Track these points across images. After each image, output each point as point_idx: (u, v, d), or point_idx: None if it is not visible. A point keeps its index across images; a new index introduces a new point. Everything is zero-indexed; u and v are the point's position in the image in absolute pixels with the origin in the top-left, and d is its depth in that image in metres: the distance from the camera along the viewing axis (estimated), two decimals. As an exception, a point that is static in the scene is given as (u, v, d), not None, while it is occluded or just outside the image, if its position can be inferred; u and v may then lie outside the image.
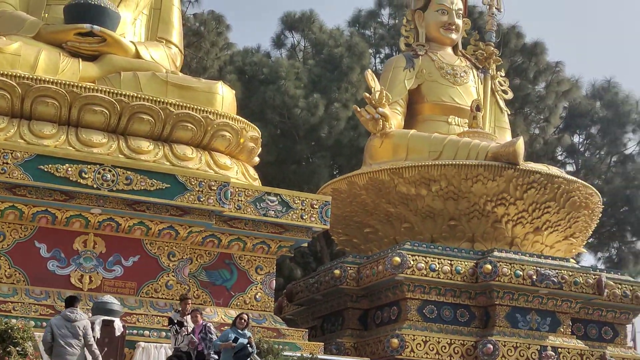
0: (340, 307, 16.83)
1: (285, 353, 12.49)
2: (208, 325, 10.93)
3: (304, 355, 12.98)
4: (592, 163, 30.66)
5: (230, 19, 28.53)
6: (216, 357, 10.60)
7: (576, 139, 31.63)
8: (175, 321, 11.05)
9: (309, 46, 27.82)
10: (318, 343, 14.24)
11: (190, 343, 10.80)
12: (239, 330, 10.59)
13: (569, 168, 30.89)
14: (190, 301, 11.37)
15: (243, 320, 10.67)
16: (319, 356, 13.24)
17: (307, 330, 14.84)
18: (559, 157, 31.08)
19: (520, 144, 16.81)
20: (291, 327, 15.51)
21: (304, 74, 24.84)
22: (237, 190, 13.95)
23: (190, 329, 10.95)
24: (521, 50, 27.72)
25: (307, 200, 14.48)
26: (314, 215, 14.46)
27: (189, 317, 11.07)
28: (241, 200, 13.98)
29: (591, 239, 31.05)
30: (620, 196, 29.01)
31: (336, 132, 24.55)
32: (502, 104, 21.09)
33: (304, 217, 14.38)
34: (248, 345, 10.46)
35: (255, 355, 10.74)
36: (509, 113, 21.48)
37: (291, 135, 24.77)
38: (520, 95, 26.43)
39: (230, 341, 10.39)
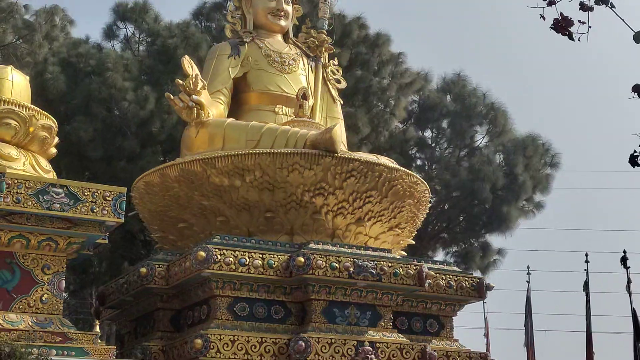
0: (151, 308, 15.75)
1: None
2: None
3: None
4: (442, 157, 30.55)
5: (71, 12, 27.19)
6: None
7: (428, 133, 31.54)
8: None
9: (144, 38, 26.60)
10: (110, 347, 13.09)
11: None
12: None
13: (419, 162, 30.74)
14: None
15: None
16: (106, 361, 12.10)
17: (98, 333, 13.70)
18: (411, 152, 30.87)
19: (337, 130, 16.05)
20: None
21: (134, 66, 23.63)
22: (15, 181, 12.65)
23: None
24: (364, 41, 27.22)
25: (99, 192, 13.29)
26: (107, 208, 13.29)
27: None
28: (21, 193, 12.68)
29: (443, 235, 31.06)
30: (467, 189, 28.90)
31: (168, 127, 23.45)
32: (334, 93, 20.41)
33: (95, 211, 13.18)
34: None
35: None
36: (342, 103, 20.79)
37: (120, 130, 23.50)
38: (362, 87, 25.94)
39: None
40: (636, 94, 7.20)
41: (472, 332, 34.00)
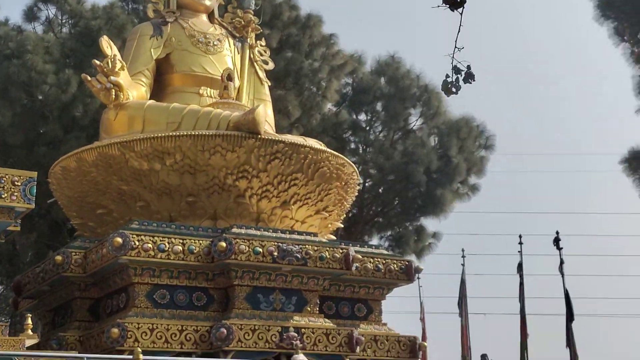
0: (69, 298, 15.18)
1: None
2: None
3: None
4: (376, 140, 30.26)
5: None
6: None
7: (362, 116, 31.22)
8: None
9: (66, 19, 25.76)
10: (20, 338, 12.55)
11: None
12: None
13: (353, 146, 30.44)
14: None
15: None
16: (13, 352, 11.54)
17: (7, 324, 13.10)
18: (344, 135, 30.53)
19: (260, 111, 15.59)
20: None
21: (56, 48, 22.84)
22: None
23: None
24: (295, 23, 26.75)
25: (7, 177, 12.65)
26: (16, 194, 12.66)
27: None
28: None
29: (378, 219, 30.81)
30: (401, 173, 28.66)
31: (92, 111, 22.71)
32: (261, 74, 19.93)
33: (3, 196, 12.56)
34: None
35: None
36: (270, 84, 20.32)
37: (41, 115, 22.71)
38: (293, 70, 25.49)
39: None
40: (447, 5, 6.95)
41: (408, 316, 33.88)
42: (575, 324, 25.66)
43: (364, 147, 30.27)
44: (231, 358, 13.44)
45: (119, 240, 13.54)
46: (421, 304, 30.93)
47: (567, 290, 25.87)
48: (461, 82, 7.15)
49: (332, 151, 16.73)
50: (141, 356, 5.47)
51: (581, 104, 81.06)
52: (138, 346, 13.09)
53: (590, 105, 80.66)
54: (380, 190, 30.38)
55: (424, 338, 28.00)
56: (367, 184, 30.12)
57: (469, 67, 7.11)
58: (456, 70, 7.12)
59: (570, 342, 25.15)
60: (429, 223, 31.01)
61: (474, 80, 6.95)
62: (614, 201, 66.23)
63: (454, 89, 7.17)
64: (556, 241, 26.58)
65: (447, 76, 7.18)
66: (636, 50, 23.37)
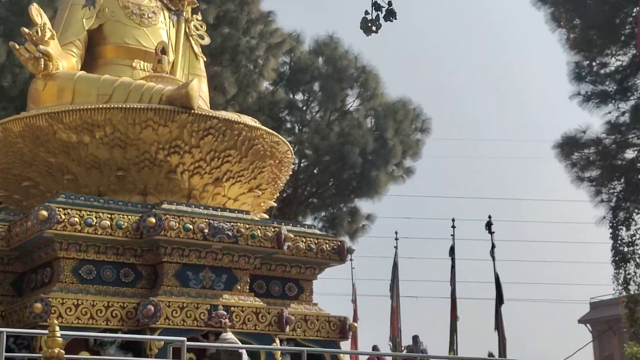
0: (-9, 272, 14.74)
1: None
2: None
3: None
4: (313, 120, 30.11)
5: None
6: None
7: (299, 96, 31.02)
8: None
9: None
10: None
11: None
12: None
13: (289, 125, 30.25)
14: None
15: None
16: None
17: None
18: (281, 114, 30.30)
19: (194, 85, 15.29)
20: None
21: (-17, 16, 22.18)
22: None
23: None
24: (232, -2, 26.42)
25: None
26: None
27: None
28: None
29: (312, 199, 30.72)
30: (337, 153, 28.57)
31: (21, 81, 22.09)
32: (197, 49, 19.57)
33: None
34: None
35: None
36: (205, 60, 19.98)
37: (-34, 85, 22.09)
38: (230, 46, 25.15)
39: None
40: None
41: (340, 299, 33.99)
42: (505, 308, 26.00)
43: (300, 127, 30.10)
44: (158, 335, 13.18)
45: (45, 213, 13.17)
46: (353, 285, 31.03)
47: (497, 274, 26.18)
48: (382, 21, 6.80)
49: (267, 129, 16.52)
50: (57, 329, 5.24)
51: (518, 91, 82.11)
52: (62, 322, 12.82)
53: (527, 92, 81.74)
54: (315, 170, 30.28)
55: (355, 319, 28.09)
56: (302, 164, 29.98)
57: (390, 3, 6.75)
58: (376, 6, 6.78)
59: (499, 325, 25.46)
60: (364, 205, 31.06)
61: (395, 19, 6.58)
62: (549, 188, 67.37)
63: (374, 28, 6.83)
64: (488, 225, 26.84)
65: (367, 13, 6.82)
66: (572, 36, 23.55)
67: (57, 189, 15.28)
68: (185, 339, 11.94)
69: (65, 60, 16.61)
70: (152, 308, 13.32)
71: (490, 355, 19.74)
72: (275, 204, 18.37)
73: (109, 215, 13.84)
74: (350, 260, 28.50)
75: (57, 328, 5.33)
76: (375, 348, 21.31)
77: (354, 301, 30.81)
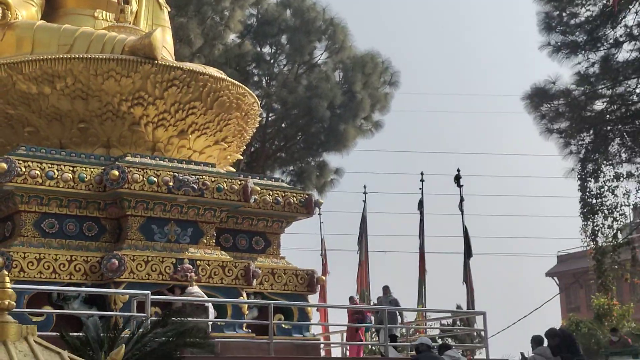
0: (-50, 226, 14.42)
1: None
2: None
3: None
4: (280, 73, 29.72)
5: None
6: None
7: (267, 49, 30.57)
8: None
9: None
10: None
11: None
12: None
13: (256, 79, 29.87)
14: None
15: None
16: None
17: None
18: (248, 68, 29.87)
19: (157, 35, 14.92)
20: None
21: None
22: None
23: None
24: (197, -51, 25.86)
25: None
26: None
27: None
28: None
29: (280, 153, 30.45)
30: (305, 107, 28.26)
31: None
32: (161, -1, 19.13)
33: None
34: None
35: None
36: (169, 10, 19.54)
37: None
38: (194, -2, 24.68)
39: None
40: None
41: (309, 254, 33.92)
42: (473, 261, 26.04)
43: (268, 80, 29.71)
44: (123, 289, 12.98)
45: (4, 166, 12.86)
46: (322, 240, 30.87)
47: (465, 227, 26.14)
48: None
49: (233, 80, 16.23)
50: (7, 280, 5.02)
51: (490, 45, 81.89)
52: (24, 276, 12.60)
53: (498, 46, 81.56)
54: (283, 124, 29.98)
55: (325, 273, 28.00)
56: (270, 118, 29.66)
57: None
58: None
59: (467, 278, 25.49)
60: (332, 159, 30.84)
61: None
62: (518, 143, 67.50)
63: None
64: (457, 179, 26.73)
65: None
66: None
67: (17, 141, 14.94)
68: (149, 292, 11.78)
69: (25, 9, 16.19)
70: (117, 262, 13.11)
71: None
72: (242, 157, 18.11)
73: (71, 168, 13.56)
74: (319, 214, 28.37)
75: (7, 279, 5.10)
76: (351, 299, 21.22)
77: (324, 255, 30.71)
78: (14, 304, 5.04)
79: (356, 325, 17.57)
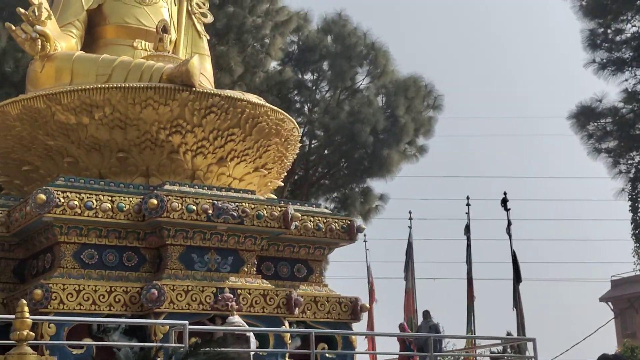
0: (-8, 259, 14.39)
1: None
2: None
3: None
4: (322, 99, 29.57)
5: None
6: None
7: (309, 75, 30.48)
8: None
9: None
10: None
11: None
12: None
13: (298, 105, 29.76)
14: None
15: None
16: None
17: None
18: (289, 95, 29.78)
19: (195, 62, 14.84)
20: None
21: (-17, 0, 21.77)
22: None
23: None
24: (236, -23, 25.91)
25: None
26: None
27: None
28: None
29: (324, 181, 30.24)
30: (347, 133, 28.04)
31: (24, 66, 21.64)
32: (200, 27, 19.09)
33: None
34: None
35: None
36: (209, 39, 19.50)
37: (-32, 71, 21.71)
38: (235, 25, 24.65)
39: None
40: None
41: (355, 282, 33.51)
42: (523, 287, 25.48)
43: (310, 106, 29.57)
44: (163, 320, 12.79)
45: (43, 197, 12.80)
46: (368, 267, 30.52)
47: (514, 252, 25.60)
48: None
49: (271, 106, 16.06)
50: (26, 310, 4.84)
51: (532, 66, 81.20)
52: (64, 308, 12.48)
53: (541, 66, 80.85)
54: (325, 151, 29.76)
55: (372, 301, 27.65)
56: (312, 145, 29.49)
57: None
58: None
59: (517, 303, 24.95)
60: (376, 185, 30.53)
61: None
62: (565, 165, 66.65)
63: None
64: (504, 202, 26.23)
65: None
66: (584, 2, 22.89)
67: (57, 172, 14.90)
68: (187, 322, 11.55)
69: (64, 41, 16.19)
70: (156, 292, 12.93)
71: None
72: (282, 184, 17.91)
73: (110, 198, 13.45)
74: (364, 241, 28.06)
75: (26, 309, 4.93)
76: (401, 326, 20.85)
77: (371, 282, 30.34)
78: (33, 334, 4.85)
79: (404, 354, 17.21)
